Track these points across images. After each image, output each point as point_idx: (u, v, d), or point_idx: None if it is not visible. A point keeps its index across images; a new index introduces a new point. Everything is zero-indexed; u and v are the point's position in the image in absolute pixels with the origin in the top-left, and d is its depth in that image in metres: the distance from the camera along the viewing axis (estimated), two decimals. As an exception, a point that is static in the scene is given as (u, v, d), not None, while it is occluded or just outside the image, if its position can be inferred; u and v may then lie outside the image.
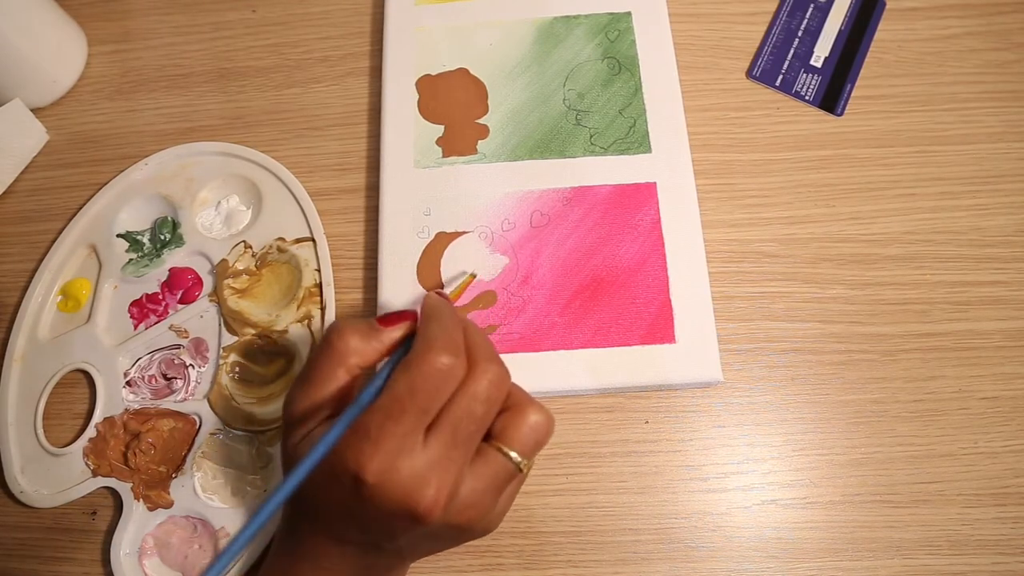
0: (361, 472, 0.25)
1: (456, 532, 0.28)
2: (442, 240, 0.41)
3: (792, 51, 0.47)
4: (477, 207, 0.42)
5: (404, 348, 0.29)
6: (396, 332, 0.29)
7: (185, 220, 0.44)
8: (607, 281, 0.40)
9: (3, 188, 0.46)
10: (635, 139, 0.43)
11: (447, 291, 0.38)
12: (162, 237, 0.44)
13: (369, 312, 0.42)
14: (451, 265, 0.41)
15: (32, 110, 0.48)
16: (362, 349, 0.28)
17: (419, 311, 0.30)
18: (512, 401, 0.28)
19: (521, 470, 0.28)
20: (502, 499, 0.28)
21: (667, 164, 0.42)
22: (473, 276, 0.39)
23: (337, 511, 0.27)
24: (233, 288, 0.42)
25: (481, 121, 0.44)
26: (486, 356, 0.28)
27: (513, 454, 0.28)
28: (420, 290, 0.40)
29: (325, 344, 0.29)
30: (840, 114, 0.45)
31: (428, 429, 0.26)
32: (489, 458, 0.27)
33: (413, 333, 0.29)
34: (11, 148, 0.46)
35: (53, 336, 0.42)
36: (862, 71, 0.46)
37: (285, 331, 0.41)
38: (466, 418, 0.26)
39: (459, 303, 0.40)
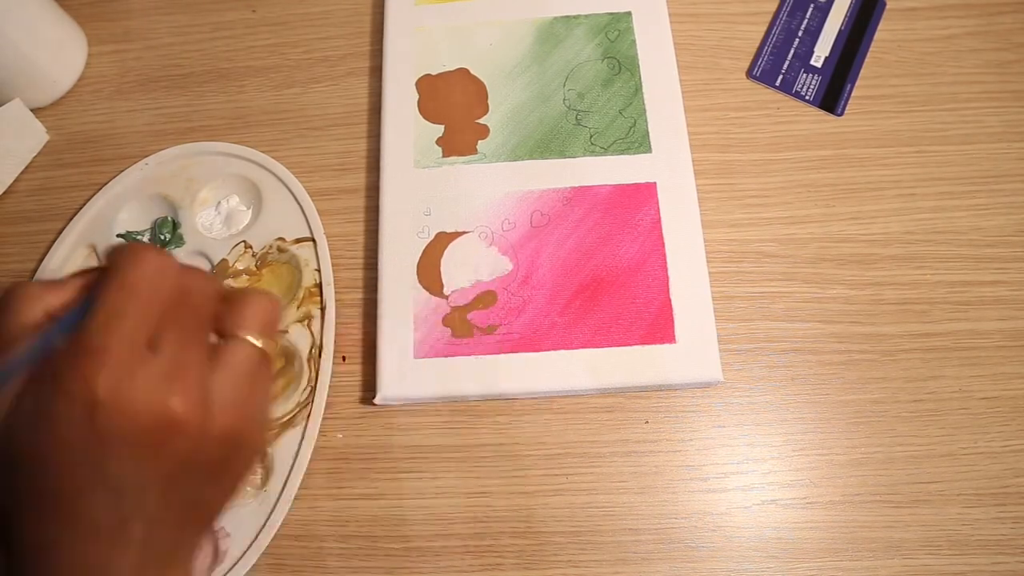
0: (93, 390, 0.20)
1: (229, 449, 0.24)
2: (442, 240, 0.41)
3: (792, 51, 0.47)
4: (477, 207, 0.42)
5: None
6: (83, 275, 0.24)
7: (185, 220, 0.44)
8: (607, 281, 0.40)
9: (3, 188, 0.46)
10: (635, 139, 0.43)
11: None
12: (162, 237, 0.44)
13: (369, 312, 0.42)
14: (451, 265, 0.41)
15: (32, 110, 0.48)
16: (44, 294, 0.23)
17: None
18: (228, 295, 0.25)
19: (266, 353, 0.25)
20: (259, 394, 0.25)
21: (667, 164, 0.42)
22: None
23: (74, 472, 0.21)
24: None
25: (481, 121, 0.44)
26: (189, 271, 0.24)
27: (249, 337, 0.25)
28: (420, 290, 0.40)
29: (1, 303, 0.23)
30: (840, 114, 0.45)
31: (147, 343, 0.22)
32: (227, 350, 0.24)
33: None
34: (11, 148, 0.46)
35: (53, 336, 0.42)
36: (862, 71, 0.46)
37: (285, 331, 0.41)
38: (187, 313, 0.23)
39: (467, 302, 0.40)
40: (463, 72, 0.46)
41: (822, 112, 0.45)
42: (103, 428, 0.20)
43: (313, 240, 0.43)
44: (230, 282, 0.42)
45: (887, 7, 0.48)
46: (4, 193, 0.46)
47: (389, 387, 0.38)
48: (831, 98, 0.45)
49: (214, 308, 0.24)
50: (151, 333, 0.22)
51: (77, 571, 0.22)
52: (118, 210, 0.44)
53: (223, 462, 0.24)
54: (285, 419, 0.39)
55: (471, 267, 0.41)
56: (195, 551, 0.26)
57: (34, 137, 0.47)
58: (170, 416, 0.21)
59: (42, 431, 0.21)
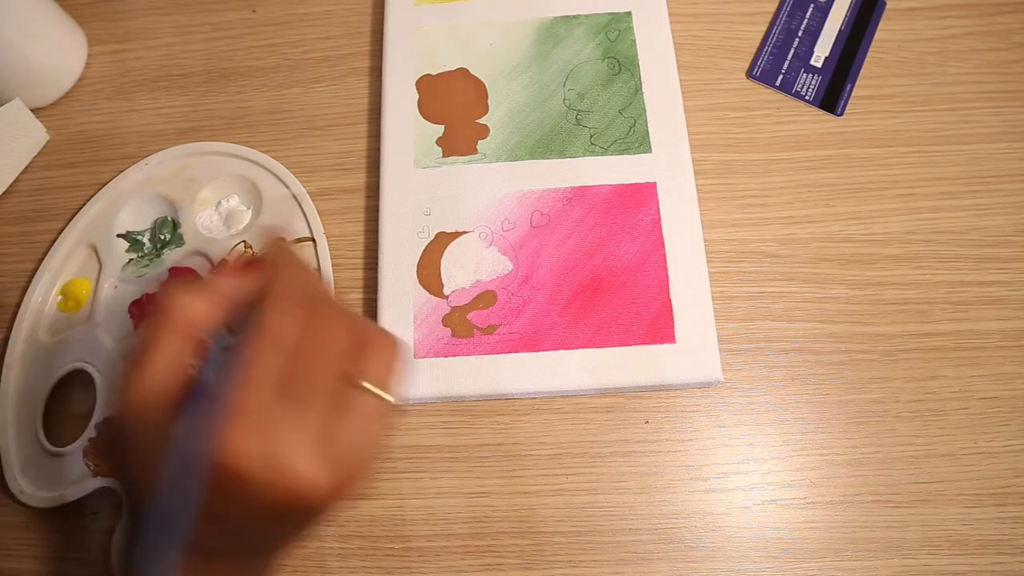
0: (227, 458, 0.21)
1: (333, 497, 0.24)
2: (442, 240, 0.41)
3: (792, 51, 0.47)
4: (477, 207, 0.42)
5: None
6: (224, 281, 0.25)
7: (185, 220, 0.44)
8: (607, 281, 0.40)
9: (3, 188, 0.46)
10: (635, 139, 0.43)
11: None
12: (162, 237, 0.44)
13: (369, 312, 0.42)
14: (451, 265, 0.41)
15: (32, 110, 0.48)
16: (193, 305, 0.24)
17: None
18: (356, 335, 0.25)
19: (388, 400, 0.25)
20: (370, 444, 0.25)
21: (667, 164, 0.42)
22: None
23: (212, 519, 0.23)
24: (233, 288, 0.42)
25: (481, 121, 0.44)
26: (326, 302, 0.25)
27: (372, 388, 0.25)
28: (420, 290, 0.40)
29: (157, 312, 0.24)
30: (840, 114, 0.45)
31: (281, 393, 0.23)
32: (350, 402, 0.24)
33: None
34: (11, 148, 0.46)
35: (53, 336, 0.42)
36: (862, 71, 0.46)
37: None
38: (324, 374, 0.23)
39: (467, 302, 0.40)
40: (463, 72, 0.46)
41: (822, 112, 0.45)
42: (233, 491, 0.22)
43: (313, 240, 0.43)
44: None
45: (887, 7, 0.48)
46: (4, 193, 0.46)
47: (389, 387, 0.38)
48: (831, 98, 0.45)
49: (343, 357, 0.24)
50: (286, 385, 0.23)
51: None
52: (118, 210, 0.44)
53: (332, 500, 0.25)
54: (285, 419, 0.39)
55: (471, 267, 0.41)
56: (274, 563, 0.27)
57: (34, 137, 0.47)
58: (297, 484, 0.22)
59: (195, 480, 0.22)
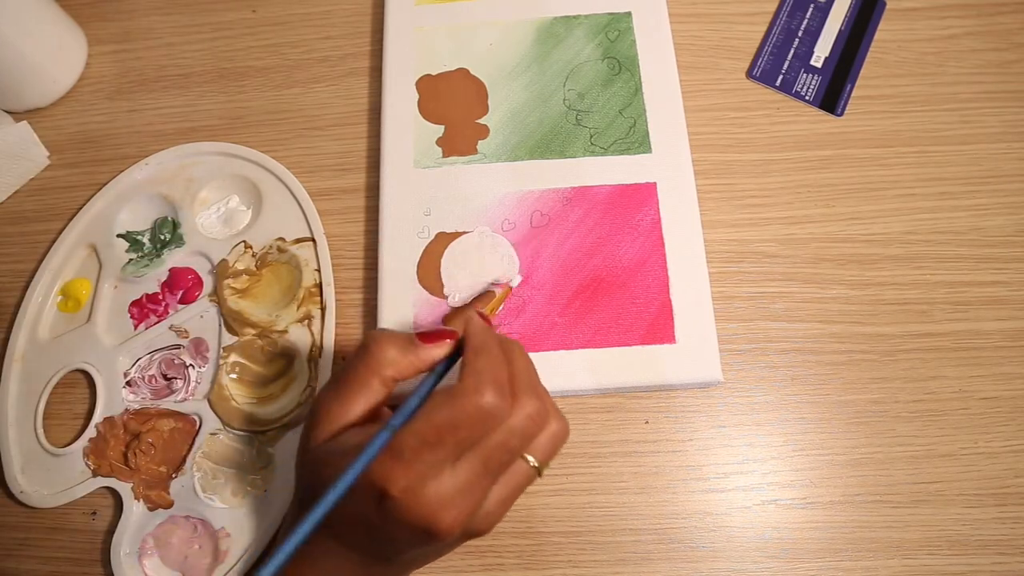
0: (388, 487, 0.25)
1: (467, 539, 0.28)
2: (442, 240, 0.41)
3: (792, 51, 0.47)
4: (477, 207, 0.42)
5: (443, 367, 0.29)
6: (437, 351, 0.29)
7: (185, 220, 0.44)
8: (607, 281, 0.40)
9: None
10: (635, 139, 0.43)
11: (483, 299, 0.38)
12: (162, 237, 0.44)
13: (369, 312, 0.42)
14: (451, 265, 0.41)
15: (32, 110, 0.48)
16: (399, 362, 0.28)
17: (462, 331, 0.30)
18: (540, 414, 0.28)
19: (540, 475, 0.28)
20: (512, 503, 0.29)
21: (667, 164, 0.42)
22: (510, 288, 0.38)
23: (354, 520, 0.27)
24: (233, 288, 0.42)
25: (481, 121, 0.44)
26: (528, 390, 0.28)
27: (533, 460, 0.28)
28: (421, 290, 0.40)
29: (363, 351, 0.29)
30: (840, 114, 0.45)
31: (455, 448, 0.26)
32: (514, 469, 0.28)
33: (452, 354, 0.29)
34: (10, 168, 0.46)
35: (53, 336, 0.42)
36: (862, 71, 0.46)
37: (285, 331, 0.41)
38: (501, 449, 0.26)
39: (467, 303, 0.40)
40: (463, 72, 0.46)
41: (822, 112, 0.45)
42: (386, 511, 0.25)
43: (313, 240, 0.43)
44: (229, 282, 0.42)
45: (887, 7, 0.48)
46: (4, 193, 0.47)
47: (389, 387, 0.38)
48: (831, 98, 0.45)
49: (525, 448, 0.28)
50: (461, 453, 0.26)
51: (320, 568, 0.28)
52: (118, 210, 0.44)
53: (458, 544, 0.29)
54: (285, 419, 0.39)
55: (471, 267, 0.41)
56: None
57: (35, 161, 0.47)
58: (436, 532, 0.25)
59: (346, 499, 0.25)
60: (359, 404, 0.28)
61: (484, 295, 0.40)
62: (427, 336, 0.30)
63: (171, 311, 0.42)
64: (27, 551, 0.39)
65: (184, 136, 0.47)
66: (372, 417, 0.29)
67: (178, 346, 0.41)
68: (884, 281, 0.41)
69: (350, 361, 0.29)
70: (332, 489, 0.25)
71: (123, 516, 0.38)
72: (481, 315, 0.31)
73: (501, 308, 0.39)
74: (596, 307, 0.40)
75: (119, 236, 0.44)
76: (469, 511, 0.26)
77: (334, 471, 0.25)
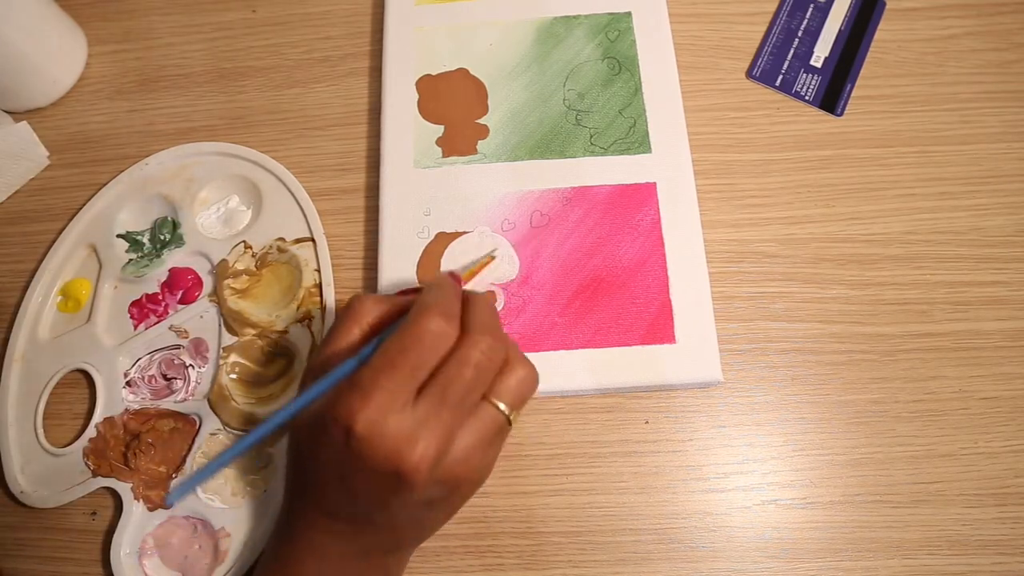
0: (351, 421, 0.25)
1: (447, 491, 0.28)
2: (442, 240, 0.41)
3: (792, 51, 0.47)
4: (477, 207, 0.42)
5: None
6: (408, 298, 0.30)
7: (185, 220, 0.44)
8: (607, 281, 0.40)
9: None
10: (635, 139, 0.43)
11: (466, 270, 0.39)
12: (162, 237, 0.44)
13: (369, 312, 0.42)
14: (451, 265, 0.41)
15: (32, 110, 0.48)
16: (375, 311, 0.30)
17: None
18: (505, 358, 0.29)
19: (510, 422, 0.29)
20: (490, 452, 0.29)
21: (667, 164, 0.42)
22: (492, 257, 0.39)
23: (328, 472, 0.27)
24: (233, 288, 0.42)
25: (481, 121, 0.44)
26: (482, 328, 0.28)
27: (502, 406, 0.28)
28: (420, 290, 0.40)
29: (346, 308, 0.31)
30: (840, 114, 0.45)
31: (419, 391, 0.27)
32: (480, 412, 0.28)
33: None
34: (10, 168, 0.46)
35: (53, 336, 0.42)
36: (862, 71, 0.46)
37: (285, 331, 0.41)
38: (456, 381, 0.27)
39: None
40: (463, 72, 0.46)
41: (822, 112, 0.45)
42: (353, 451, 0.26)
43: (313, 240, 0.43)
44: (229, 282, 0.42)
45: (887, 7, 0.48)
46: (4, 193, 0.47)
47: (389, 387, 0.38)
48: (831, 98, 0.45)
49: (487, 382, 0.28)
50: (420, 386, 0.27)
51: (307, 542, 0.29)
52: (118, 210, 0.44)
53: (445, 500, 0.29)
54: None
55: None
56: (406, 560, 0.32)
57: (35, 161, 0.47)
58: (406, 461, 0.26)
59: (315, 437, 0.27)
60: (342, 353, 0.29)
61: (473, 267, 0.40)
62: (403, 291, 0.32)
63: (171, 311, 0.42)
64: (27, 551, 0.39)
65: (184, 136, 0.47)
66: None
67: (178, 346, 0.41)
68: (884, 281, 0.41)
69: (335, 321, 0.31)
70: (286, 406, 0.26)
71: (123, 516, 0.38)
72: (452, 275, 0.32)
73: (478, 272, 0.39)
74: (596, 307, 0.40)
75: (119, 236, 0.44)
76: (435, 448, 0.26)
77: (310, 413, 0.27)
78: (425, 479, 0.26)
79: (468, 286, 0.40)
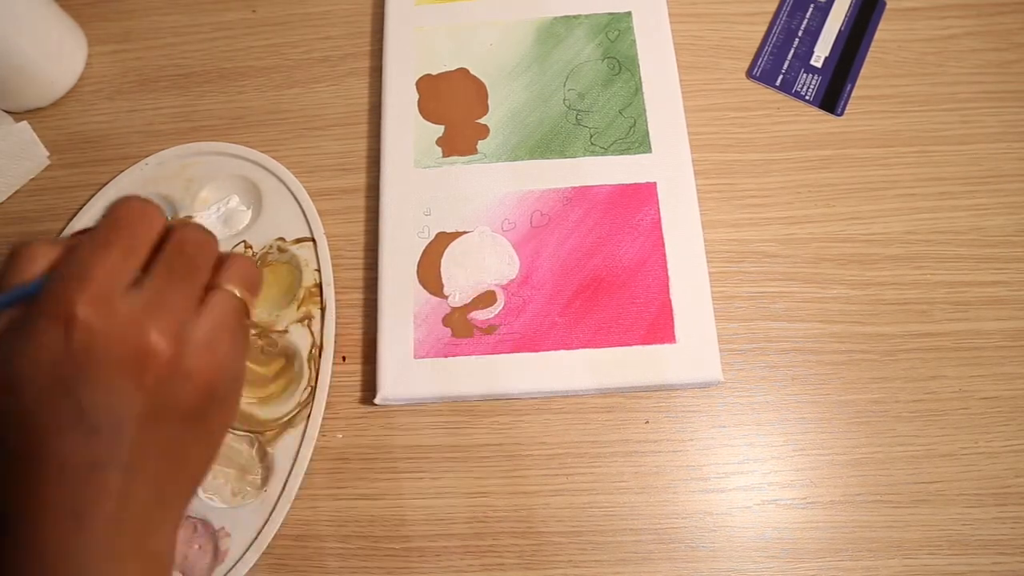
0: (71, 310, 0.21)
1: (201, 395, 0.24)
2: (442, 240, 0.41)
3: (792, 51, 0.47)
4: (477, 207, 0.42)
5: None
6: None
7: (185, 220, 0.44)
8: (607, 281, 0.40)
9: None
10: (635, 139, 0.43)
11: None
12: (162, 237, 0.44)
13: (369, 312, 0.42)
14: (451, 265, 0.41)
15: (32, 110, 0.48)
16: (51, 253, 0.24)
17: None
18: (219, 255, 0.27)
19: (247, 307, 0.26)
20: (236, 342, 0.26)
21: (667, 164, 0.42)
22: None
23: (45, 394, 0.21)
24: (233, 288, 0.42)
25: (481, 121, 0.44)
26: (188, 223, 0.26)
27: (231, 287, 0.26)
28: (421, 290, 0.40)
29: (10, 255, 0.24)
30: (840, 114, 0.45)
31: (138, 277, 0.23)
32: (212, 298, 0.25)
33: None
34: (10, 168, 0.46)
35: (53, 336, 0.42)
36: (862, 71, 0.46)
37: (285, 331, 0.41)
38: (179, 255, 0.24)
39: (467, 302, 0.40)
40: (463, 72, 0.46)
41: (822, 112, 0.45)
42: (78, 349, 0.21)
43: (313, 240, 0.43)
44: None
45: (887, 7, 0.48)
46: (4, 193, 0.47)
47: (389, 387, 0.38)
48: (831, 98, 0.45)
49: (209, 260, 0.26)
50: (138, 269, 0.23)
51: (46, 518, 0.21)
52: (118, 210, 0.44)
53: (199, 412, 0.24)
54: (285, 419, 0.39)
55: (471, 267, 0.41)
56: (178, 520, 0.25)
57: (34, 160, 0.47)
58: (144, 344, 0.22)
59: (18, 353, 0.21)
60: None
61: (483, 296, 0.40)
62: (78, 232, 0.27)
63: (171, 311, 0.42)
64: (27, 551, 0.39)
65: (184, 136, 0.47)
66: None
67: (178, 346, 0.41)
68: (884, 281, 0.41)
69: None
70: None
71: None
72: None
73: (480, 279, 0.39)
74: (596, 307, 0.40)
75: (119, 236, 0.44)
76: (175, 325, 0.23)
77: None
78: (170, 365, 0.22)
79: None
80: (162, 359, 0.22)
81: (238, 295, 0.26)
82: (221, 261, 0.26)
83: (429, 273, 0.41)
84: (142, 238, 0.24)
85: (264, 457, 0.39)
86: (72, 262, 0.22)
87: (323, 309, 0.41)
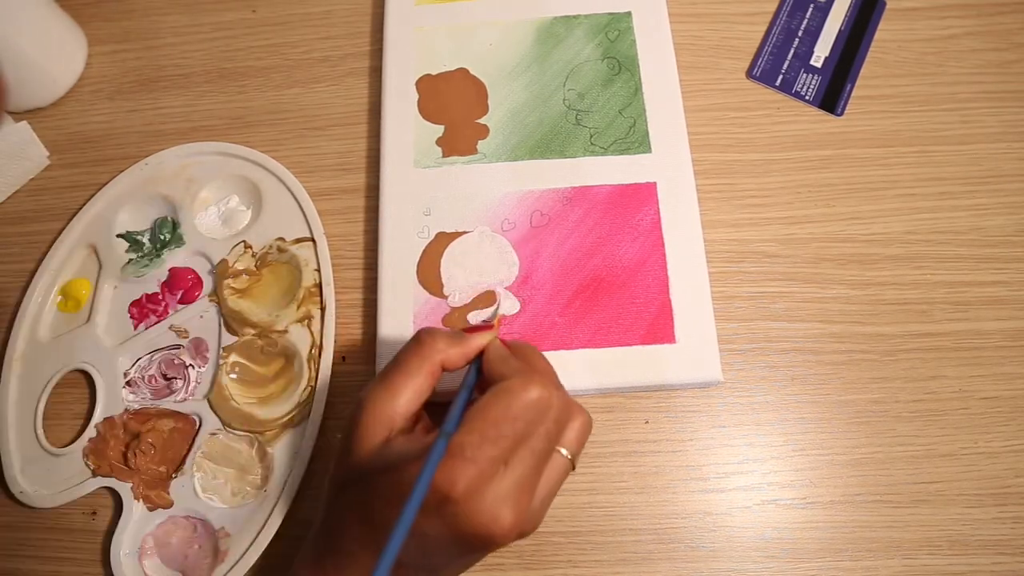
0: (450, 490, 0.25)
1: (523, 534, 0.28)
2: (442, 240, 0.41)
3: (792, 51, 0.47)
4: (477, 207, 0.42)
5: (474, 376, 0.31)
6: (480, 339, 0.31)
7: (185, 220, 0.44)
8: (607, 281, 0.40)
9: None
10: (635, 139, 0.43)
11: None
12: (162, 237, 0.44)
13: (369, 312, 0.42)
14: (451, 265, 0.41)
15: (32, 110, 0.48)
16: (448, 351, 0.30)
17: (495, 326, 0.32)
18: (567, 408, 0.30)
19: (574, 468, 0.29)
20: (553, 497, 0.30)
21: (667, 164, 0.42)
22: (503, 316, 0.39)
23: (413, 532, 0.27)
24: (233, 288, 0.42)
25: (481, 121, 0.44)
26: (557, 383, 0.29)
27: (566, 452, 0.29)
28: (420, 290, 0.40)
29: (414, 343, 0.30)
30: (840, 114, 0.45)
31: (504, 447, 0.27)
32: (552, 463, 0.28)
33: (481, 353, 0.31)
34: (10, 168, 0.46)
35: (53, 336, 0.42)
36: (862, 71, 0.46)
37: (285, 331, 0.41)
38: (546, 442, 0.27)
39: (467, 302, 0.40)
40: (463, 72, 0.46)
41: (822, 112, 0.45)
42: (446, 518, 0.26)
43: (313, 240, 0.43)
44: (229, 282, 0.42)
45: (887, 7, 0.48)
46: (4, 193, 0.47)
47: (389, 387, 0.38)
48: (831, 98, 0.45)
49: (563, 435, 0.29)
50: (514, 448, 0.27)
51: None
52: (118, 210, 0.44)
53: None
54: (285, 419, 0.39)
55: (471, 267, 0.41)
56: None
57: (34, 160, 0.47)
58: (494, 536, 0.26)
59: (395, 494, 0.26)
60: (407, 393, 0.29)
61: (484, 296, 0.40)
62: (469, 328, 0.32)
63: (171, 311, 0.42)
64: (27, 551, 0.39)
65: (184, 136, 0.47)
66: (415, 419, 0.30)
67: (178, 346, 0.41)
68: (884, 281, 0.41)
69: (399, 354, 0.30)
70: (408, 502, 0.24)
71: (123, 516, 0.38)
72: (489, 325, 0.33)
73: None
74: (596, 307, 0.40)
75: (119, 236, 0.44)
76: (524, 509, 0.26)
77: (394, 480, 0.26)
78: (508, 536, 0.26)
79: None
80: (508, 539, 0.26)
81: (568, 457, 0.29)
82: (569, 416, 0.29)
83: (429, 273, 0.41)
84: (526, 433, 0.27)
85: (264, 457, 0.39)
86: (462, 442, 0.26)
87: (323, 309, 0.41)
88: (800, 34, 0.47)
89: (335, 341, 0.41)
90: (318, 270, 0.42)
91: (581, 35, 0.46)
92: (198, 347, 0.41)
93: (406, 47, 0.46)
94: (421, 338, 0.30)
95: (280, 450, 0.39)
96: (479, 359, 0.31)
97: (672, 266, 0.40)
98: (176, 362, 0.41)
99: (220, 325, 0.41)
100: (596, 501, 0.38)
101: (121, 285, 0.43)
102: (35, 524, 0.39)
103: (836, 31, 0.47)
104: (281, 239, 0.43)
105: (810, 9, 0.48)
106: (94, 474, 0.39)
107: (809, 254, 0.42)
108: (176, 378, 0.41)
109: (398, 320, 0.40)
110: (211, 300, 0.42)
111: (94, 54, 0.50)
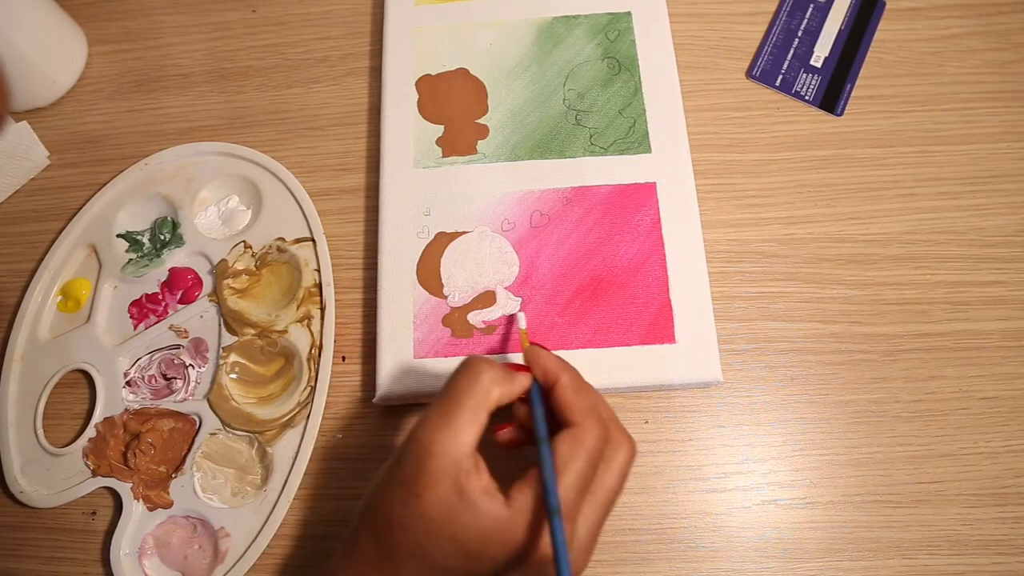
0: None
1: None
2: (442, 240, 0.41)
3: (792, 51, 0.47)
4: (477, 207, 0.42)
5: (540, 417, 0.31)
6: (526, 379, 0.31)
7: (185, 220, 0.44)
8: (607, 281, 0.40)
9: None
10: (635, 139, 0.43)
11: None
12: (162, 237, 0.44)
13: (369, 312, 0.42)
14: (451, 265, 0.41)
15: (32, 110, 0.48)
16: (501, 392, 0.30)
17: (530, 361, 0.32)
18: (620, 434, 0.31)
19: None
20: None
21: (667, 164, 0.42)
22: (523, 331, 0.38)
23: (458, 556, 0.27)
24: (233, 288, 0.42)
25: (481, 121, 0.44)
26: (618, 425, 0.30)
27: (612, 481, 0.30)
28: (420, 290, 0.40)
29: (472, 382, 0.29)
30: (840, 114, 0.45)
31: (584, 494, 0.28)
32: (599, 493, 0.29)
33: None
34: (10, 168, 0.46)
35: (53, 336, 0.42)
36: (862, 71, 0.46)
37: (285, 331, 0.41)
38: (614, 490, 0.29)
39: (467, 302, 0.40)
40: (463, 72, 0.46)
41: (822, 112, 0.45)
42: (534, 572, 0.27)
43: (313, 240, 0.43)
44: (229, 282, 0.42)
45: (887, 7, 0.48)
46: (4, 193, 0.47)
47: (389, 387, 0.38)
48: (831, 98, 0.45)
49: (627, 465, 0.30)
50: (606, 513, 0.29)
51: None
52: (118, 210, 0.44)
53: None
54: (285, 419, 0.39)
55: (471, 267, 0.41)
56: None
57: (34, 160, 0.47)
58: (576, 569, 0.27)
59: (469, 525, 0.27)
60: (469, 435, 0.28)
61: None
62: (515, 366, 0.32)
63: (171, 311, 0.42)
64: (27, 551, 0.39)
65: (184, 136, 0.47)
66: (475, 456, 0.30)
67: (178, 346, 0.42)
68: (884, 281, 0.41)
69: (453, 392, 0.29)
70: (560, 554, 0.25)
71: (123, 516, 0.38)
72: (538, 345, 0.33)
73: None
74: (596, 307, 0.40)
75: (119, 236, 0.44)
76: (591, 553, 0.28)
77: (500, 541, 0.27)
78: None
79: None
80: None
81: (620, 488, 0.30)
82: (613, 448, 0.29)
83: (429, 273, 0.41)
84: (618, 491, 0.29)
85: (264, 457, 0.39)
86: (570, 502, 0.27)
87: (323, 309, 0.41)
88: (800, 34, 0.47)
89: (335, 341, 0.41)
90: (318, 270, 0.42)
91: (581, 35, 0.46)
92: (198, 347, 0.41)
93: (406, 47, 0.46)
94: (479, 378, 0.29)
95: (280, 450, 0.39)
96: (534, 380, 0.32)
97: (672, 266, 0.40)
98: (176, 362, 0.41)
99: (220, 325, 0.41)
100: (596, 501, 0.38)
101: (121, 285, 0.43)
102: (35, 524, 0.39)
103: (836, 31, 0.47)
104: (281, 239, 0.43)
105: (810, 9, 0.48)
106: (94, 474, 0.39)
107: (809, 254, 0.42)
108: (176, 378, 0.41)
109: (398, 320, 0.40)
110: (211, 300, 0.42)
111: (94, 54, 0.50)
